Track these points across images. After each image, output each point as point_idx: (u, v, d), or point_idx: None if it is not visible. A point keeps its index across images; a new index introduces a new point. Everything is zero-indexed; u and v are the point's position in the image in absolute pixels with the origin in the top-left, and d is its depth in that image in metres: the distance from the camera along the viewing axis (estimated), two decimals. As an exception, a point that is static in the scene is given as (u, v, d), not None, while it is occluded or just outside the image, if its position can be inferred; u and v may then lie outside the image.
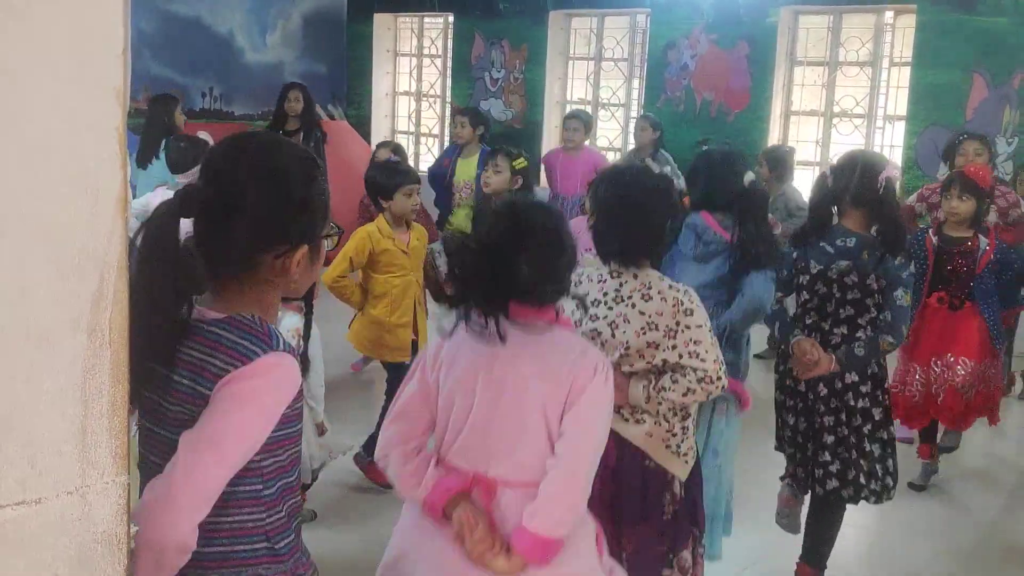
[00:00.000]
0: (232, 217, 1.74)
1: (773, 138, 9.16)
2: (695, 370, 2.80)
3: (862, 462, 3.66)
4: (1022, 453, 5.78)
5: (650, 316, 2.83)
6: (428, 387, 2.39)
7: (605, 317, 2.87)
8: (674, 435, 2.93)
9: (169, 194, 1.94)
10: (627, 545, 2.90)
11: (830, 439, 3.66)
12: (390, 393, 4.95)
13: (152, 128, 7.59)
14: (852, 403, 3.65)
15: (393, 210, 4.76)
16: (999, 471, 5.50)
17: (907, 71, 8.53)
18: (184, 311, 1.75)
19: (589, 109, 10.55)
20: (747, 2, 9.09)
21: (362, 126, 11.50)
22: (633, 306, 2.85)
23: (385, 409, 4.95)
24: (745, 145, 8.99)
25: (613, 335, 2.85)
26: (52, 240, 1.13)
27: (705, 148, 3.96)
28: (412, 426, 2.41)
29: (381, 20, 11.98)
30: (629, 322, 2.84)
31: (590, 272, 2.96)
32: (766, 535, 4.34)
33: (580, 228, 5.27)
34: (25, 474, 1.16)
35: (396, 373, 4.86)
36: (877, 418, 3.68)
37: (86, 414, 1.20)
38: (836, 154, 9.01)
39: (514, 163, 4.99)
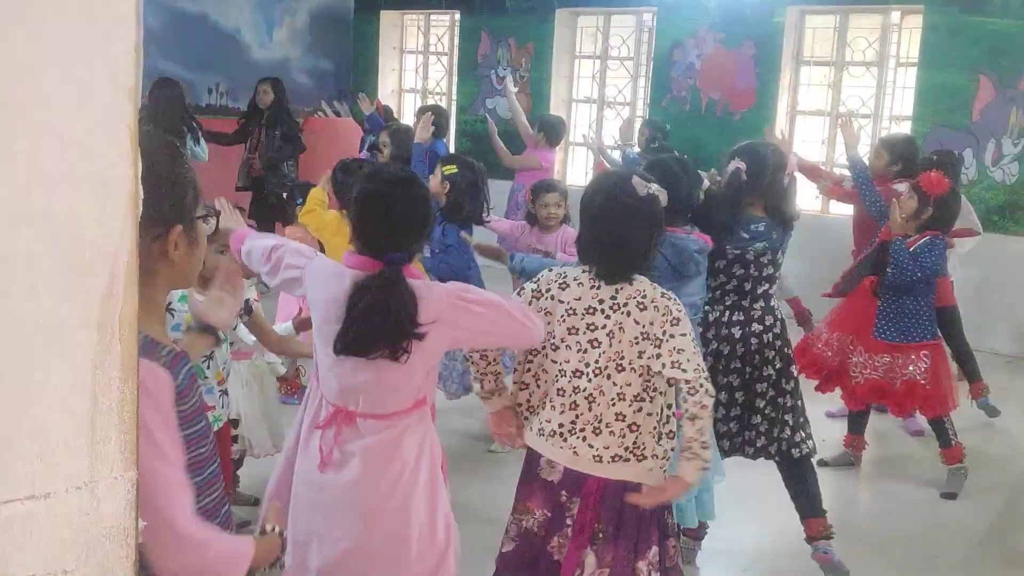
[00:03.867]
0: None
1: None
2: (684, 383, 2.77)
3: (799, 419, 4.00)
4: (1020, 455, 5.77)
5: (644, 326, 2.80)
6: None
7: (603, 327, 2.83)
8: (667, 456, 2.91)
9: None
10: (602, 561, 2.84)
11: (761, 403, 3.95)
12: None
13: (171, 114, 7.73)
14: (780, 365, 3.98)
15: None
16: (1000, 473, 5.49)
17: (913, 72, 8.53)
18: None
19: (594, 107, 10.56)
20: (753, 2, 9.08)
21: (368, 123, 11.49)
22: (628, 314, 2.81)
23: None
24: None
25: (611, 344, 2.82)
26: (64, 236, 1.14)
27: (658, 159, 3.92)
28: None
29: (387, 17, 11.97)
30: (624, 331, 2.81)
31: (578, 275, 2.89)
32: (767, 533, 4.35)
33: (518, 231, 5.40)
34: (34, 469, 1.16)
35: None
36: (795, 375, 4.06)
37: (95, 409, 1.21)
38: (842, 154, 9.03)
39: (443, 168, 5.18)
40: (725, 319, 3.94)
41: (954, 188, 5.23)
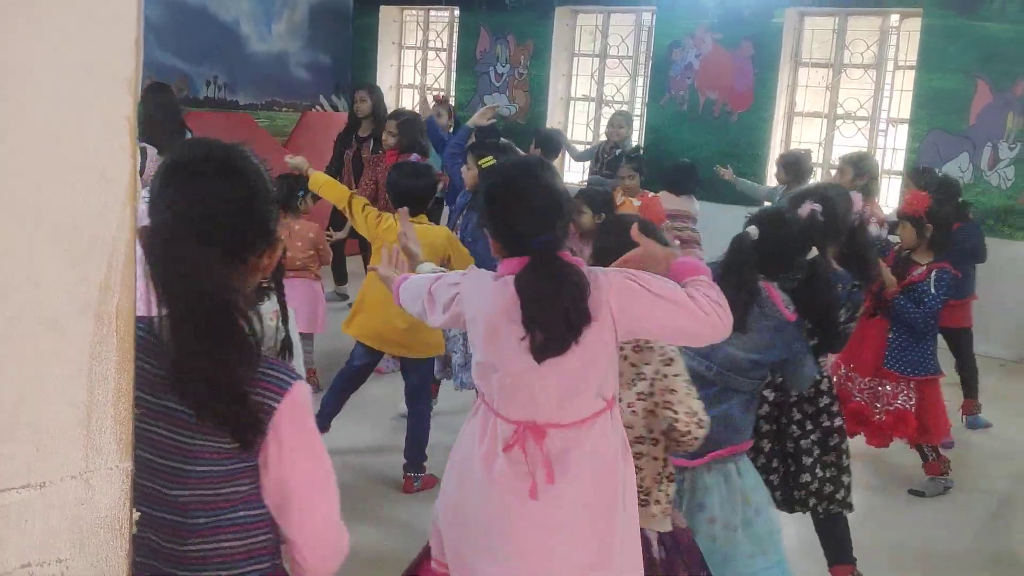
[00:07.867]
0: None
1: (776, 139, 9.16)
2: (673, 425, 2.68)
3: (843, 477, 3.83)
4: (1012, 458, 5.79)
5: (639, 368, 2.71)
6: None
7: None
8: (670, 500, 2.85)
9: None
10: None
11: (808, 460, 3.77)
12: (415, 396, 4.83)
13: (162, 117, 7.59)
14: (827, 423, 3.80)
15: None
16: (990, 477, 5.51)
17: (911, 75, 8.54)
18: None
19: (593, 106, 10.57)
20: (752, 2, 9.08)
21: (365, 118, 11.49)
22: (625, 358, 2.69)
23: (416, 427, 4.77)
24: (748, 146, 9.00)
25: None
26: (63, 228, 1.14)
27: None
28: None
29: (387, 12, 11.97)
30: (621, 374, 2.63)
31: None
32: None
33: None
34: (31, 458, 1.17)
35: (420, 372, 4.85)
36: (843, 430, 3.89)
37: (91, 400, 1.21)
38: (839, 155, 9.04)
39: (480, 162, 5.20)
40: None
41: (938, 202, 5.14)
